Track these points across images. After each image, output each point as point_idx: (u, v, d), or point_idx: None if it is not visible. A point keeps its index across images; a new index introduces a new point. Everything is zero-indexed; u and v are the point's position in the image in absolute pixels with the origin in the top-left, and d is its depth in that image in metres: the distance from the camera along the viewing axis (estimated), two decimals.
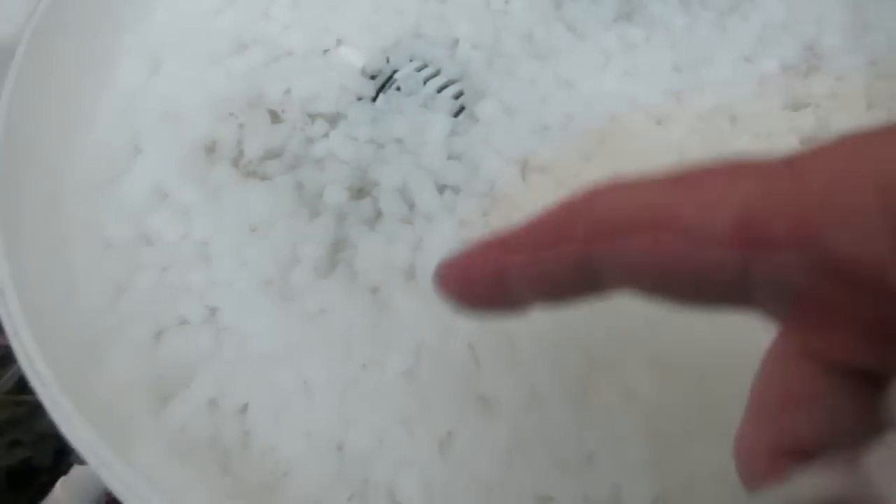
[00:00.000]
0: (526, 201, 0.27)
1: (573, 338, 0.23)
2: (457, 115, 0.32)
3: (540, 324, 0.23)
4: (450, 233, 0.27)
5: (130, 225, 0.27)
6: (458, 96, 0.33)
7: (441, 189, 0.29)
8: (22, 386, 0.35)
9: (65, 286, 0.24)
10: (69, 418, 0.19)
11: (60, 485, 0.27)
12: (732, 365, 0.22)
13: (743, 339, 0.22)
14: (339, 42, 0.34)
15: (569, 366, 0.22)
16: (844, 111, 0.29)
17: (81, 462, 0.24)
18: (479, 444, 0.21)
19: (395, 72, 0.34)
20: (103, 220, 0.26)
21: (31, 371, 0.19)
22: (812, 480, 0.09)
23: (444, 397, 0.22)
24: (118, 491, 0.18)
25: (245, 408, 0.23)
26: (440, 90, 0.33)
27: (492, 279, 0.13)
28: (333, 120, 0.32)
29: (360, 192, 0.31)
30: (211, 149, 0.31)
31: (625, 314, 0.23)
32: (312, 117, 0.32)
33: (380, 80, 0.34)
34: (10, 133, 0.23)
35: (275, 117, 0.32)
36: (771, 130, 0.29)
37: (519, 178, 0.28)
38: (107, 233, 0.26)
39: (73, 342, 0.22)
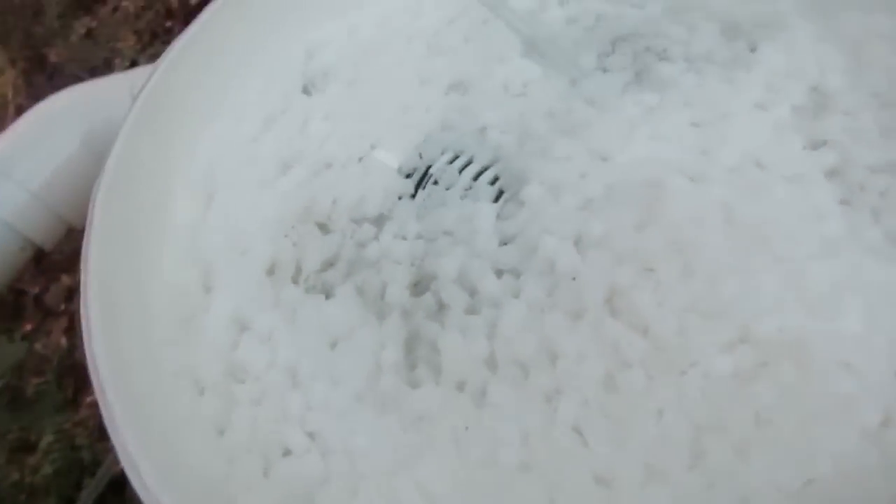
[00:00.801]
0: (590, 276, 0.28)
1: (673, 407, 0.24)
2: (496, 199, 0.33)
3: (638, 395, 0.25)
4: (521, 316, 0.28)
5: (218, 363, 0.27)
6: (493, 181, 0.34)
7: (499, 274, 0.30)
8: None
9: (174, 440, 0.25)
10: None
11: None
12: (826, 413, 0.23)
13: (827, 387, 0.23)
14: (372, 147, 0.35)
15: (675, 432, 0.23)
16: (860, 142, 0.31)
17: None
18: None
19: (429, 167, 0.35)
20: (192, 363, 0.27)
21: None
22: None
23: (562, 483, 0.23)
24: None
25: None
26: (476, 178, 0.34)
27: None
28: (379, 222, 0.34)
29: (417, 286, 0.32)
30: (271, 271, 0.32)
31: (714, 376, 0.24)
32: (359, 222, 0.33)
33: (416, 177, 0.35)
34: (103, 302, 0.24)
35: (324, 229, 0.33)
36: (798, 171, 0.31)
37: (576, 255, 0.29)
38: (197, 375, 0.27)
39: (198, 494, 0.23)
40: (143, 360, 0.26)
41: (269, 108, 0.35)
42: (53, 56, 1.04)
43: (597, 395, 0.25)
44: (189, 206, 0.31)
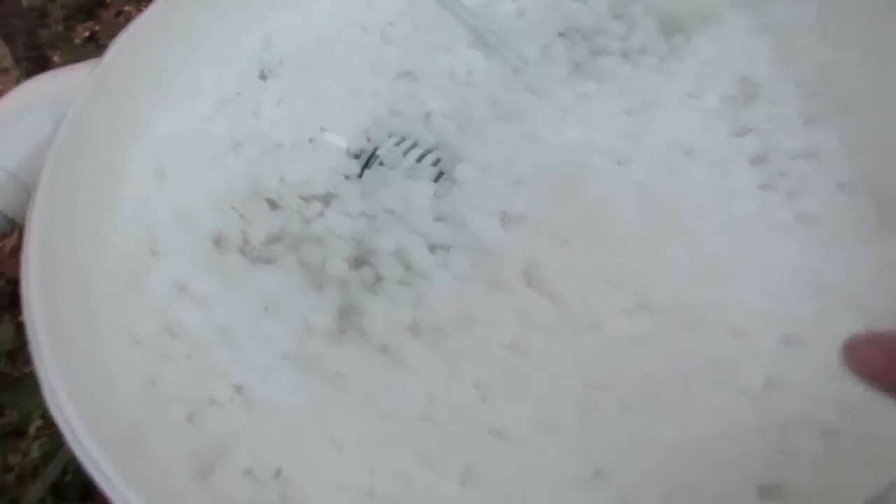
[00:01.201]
0: (511, 249, 0.29)
1: (568, 366, 0.25)
2: (437, 179, 0.35)
3: (538, 355, 0.26)
4: (445, 287, 0.30)
5: (154, 320, 0.29)
6: (436, 163, 0.36)
7: (432, 249, 0.32)
8: None
9: (106, 386, 0.26)
10: (125, 497, 0.21)
11: None
12: (709, 375, 0.24)
13: (714, 353, 0.24)
14: (322, 129, 0.37)
15: (567, 391, 0.24)
16: (784, 132, 0.32)
17: None
18: (497, 472, 0.23)
19: (376, 149, 0.37)
20: (130, 319, 0.29)
21: (90, 464, 0.22)
22: None
23: (458, 434, 0.24)
24: None
25: (279, 471, 0.25)
26: (419, 160, 0.36)
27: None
28: (326, 200, 0.35)
29: (357, 261, 0.33)
30: (218, 241, 0.33)
31: (611, 338, 0.26)
32: (307, 200, 0.35)
33: (363, 158, 0.37)
34: (43, 257, 0.26)
35: (272, 205, 0.35)
36: (722, 157, 0.32)
37: (501, 230, 0.31)
38: (134, 330, 0.29)
39: (122, 433, 0.25)
40: (81, 313, 0.28)
41: (224, 90, 0.37)
42: (57, 58, 1.07)
43: (501, 355, 0.26)
44: (142, 178, 0.33)
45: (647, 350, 0.25)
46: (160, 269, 0.30)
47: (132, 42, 0.32)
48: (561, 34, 0.39)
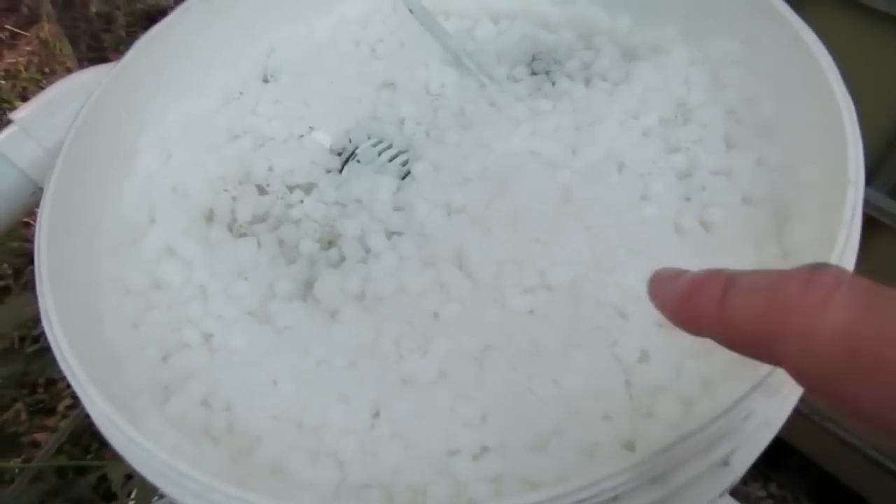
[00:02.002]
0: (448, 235, 0.34)
1: (472, 331, 0.29)
2: (403, 177, 0.40)
3: (450, 322, 0.30)
4: (391, 265, 0.34)
5: (145, 275, 0.35)
6: (405, 163, 0.41)
7: (389, 235, 0.37)
8: None
9: (94, 323, 0.32)
10: (95, 402, 0.26)
11: None
12: (589, 344, 0.28)
13: (597, 328, 0.29)
14: (311, 128, 0.42)
15: (468, 350, 0.29)
16: (709, 151, 0.36)
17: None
18: (400, 411, 0.28)
19: (356, 148, 0.42)
20: (125, 273, 0.34)
21: (70, 374, 0.27)
22: None
23: (375, 379, 0.29)
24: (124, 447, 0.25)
25: (229, 402, 0.30)
26: (391, 159, 0.41)
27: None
28: (308, 189, 0.41)
29: (329, 243, 0.39)
30: (210, 217, 0.39)
31: (512, 310, 0.30)
32: (291, 188, 0.41)
33: (344, 155, 0.42)
34: (56, 212, 0.32)
35: (261, 190, 0.40)
36: (652, 170, 0.36)
37: (445, 219, 0.35)
38: (127, 282, 0.34)
39: (102, 361, 0.30)
40: (84, 262, 0.33)
41: (230, 89, 0.43)
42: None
43: (422, 320, 0.30)
44: (150, 158, 0.39)
45: (538, 320, 0.29)
46: (155, 234, 0.36)
47: (151, 44, 0.39)
48: (533, 58, 0.44)
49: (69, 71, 1.21)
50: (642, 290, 0.30)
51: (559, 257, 0.31)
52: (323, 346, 0.31)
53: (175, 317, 0.33)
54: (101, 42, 1.33)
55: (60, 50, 1.28)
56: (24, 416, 0.93)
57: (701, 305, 0.17)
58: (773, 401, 0.24)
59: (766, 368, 0.25)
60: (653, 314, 0.29)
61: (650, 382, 0.28)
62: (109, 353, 0.31)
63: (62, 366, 0.27)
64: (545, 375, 0.27)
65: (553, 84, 0.42)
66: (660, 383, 0.28)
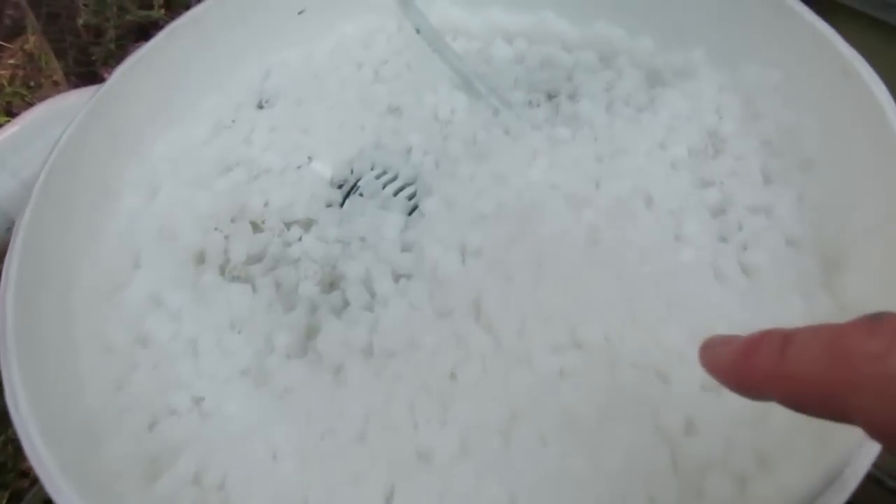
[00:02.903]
0: (464, 282, 0.31)
1: (496, 397, 0.26)
2: (411, 213, 0.37)
3: (471, 384, 0.27)
4: (401, 314, 0.31)
5: (128, 331, 0.31)
6: (412, 196, 0.38)
7: (397, 278, 0.34)
8: None
9: (72, 387, 0.28)
10: (69, 500, 0.23)
11: None
12: (628, 415, 0.25)
13: (636, 394, 0.25)
14: (310, 158, 0.39)
15: (492, 420, 0.26)
16: (745, 187, 0.33)
17: None
18: (417, 494, 0.24)
19: (358, 179, 0.39)
20: (105, 328, 0.31)
21: (36, 461, 0.23)
22: None
23: (387, 455, 0.26)
24: None
25: (224, 480, 0.27)
26: (396, 193, 0.38)
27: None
28: (307, 225, 0.37)
29: (330, 286, 0.35)
30: (200, 259, 0.36)
31: (540, 372, 0.27)
32: (288, 224, 0.37)
33: (346, 188, 0.39)
34: (27, 259, 0.29)
35: (256, 227, 0.37)
36: (683, 206, 0.33)
37: (459, 263, 0.32)
38: (108, 339, 0.31)
39: (77, 436, 0.27)
40: (59, 317, 0.30)
41: (221, 117, 0.39)
42: (106, 74, 1.13)
43: (437, 383, 0.27)
44: (134, 195, 0.36)
45: (570, 386, 0.26)
46: (140, 282, 0.33)
47: (135, 68, 0.35)
48: (549, 81, 0.41)
49: (56, 85, 1.18)
50: (684, 348, 0.27)
51: (590, 311, 0.28)
52: (328, 413, 0.27)
53: (162, 378, 0.30)
54: (89, 55, 1.29)
55: (46, 63, 1.24)
56: (10, 450, 0.89)
57: (760, 364, 0.17)
58: (843, 495, 0.21)
59: (833, 451, 0.22)
60: (697, 376, 0.27)
61: (698, 457, 0.24)
62: (88, 424, 0.28)
63: (27, 452, 0.24)
64: (580, 452, 0.24)
65: (572, 110, 0.39)
66: (709, 458, 0.24)
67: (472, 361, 0.28)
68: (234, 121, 0.40)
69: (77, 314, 0.31)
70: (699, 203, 0.33)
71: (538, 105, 0.40)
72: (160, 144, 0.38)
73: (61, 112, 0.46)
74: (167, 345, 0.31)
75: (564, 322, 0.27)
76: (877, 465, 0.22)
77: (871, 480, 0.24)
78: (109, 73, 0.39)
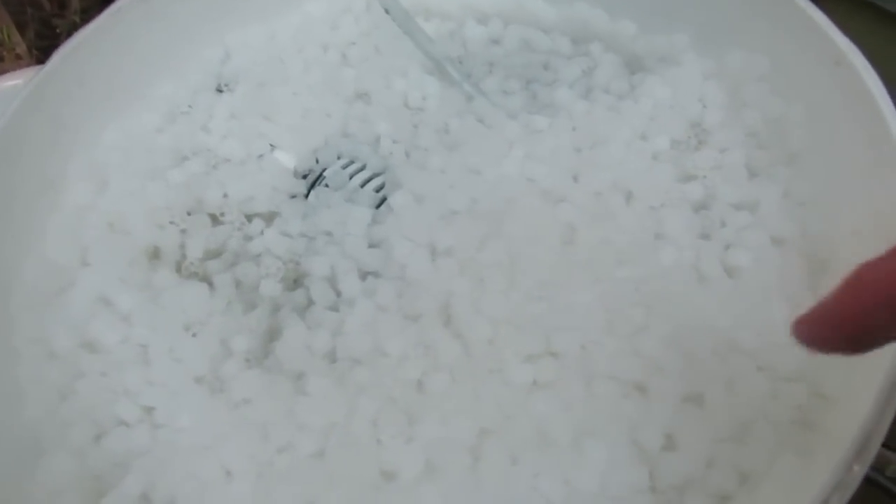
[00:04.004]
0: (433, 283, 0.29)
1: (465, 410, 0.25)
2: (379, 206, 0.35)
3: (438, 396, 0.26)
4: (366, 317, 0.29)
5: (73, 335, 0.29)
6: (380, 188, 0.36)
7: (363, 276, 0.32)
8: None
9: (11, 398, 0.26)
10: None
11: None
12: (604, 430, 0.24)
13: (613, 407, 0.24)
14: (272, 147, 0.37)
15: (461, 436, 0.24)
16: (729, 181, 0.32)
17: None
18: None
19: (324, 170, 0.37)
20: (48, 332, 0.29)
21: None
22: None
23: (348, 474, 0.24)
24: None
25: (173, 500, 0.25)
26: (364, 184, 0.36)
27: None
28: (269, 218, 0.35)
29: (294, 283, 0.33)
30: (154, 255, 0.33)
31: (512, 384, 0.25)
32: (250, 217, 0.35)
33: (310, 179, 0.37)
34: None
35: (215, 220, 0.35)
36: (663, 202, 0.32)
37: (428, 262, 0.30)
38: (51, 344, 0.29)
39: (15, 451, 0.25)
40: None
41: (177, 102, 0.37)
42: None
43: (403, 394, 0.26)
44: (82, 189, 0.33)
45: (544, 399, 0.24)
46: (86, 282, 0.31)
47: (78, 50, 0.33)
48: (525, 65, 0.39)
49: (19, 59, 1.13)
50: (663, 359, 0.26)
51: (565, 318, 0.26)
52: (286, 426, 0.26)
53: (110, 386, 0.28)
54: (52, 28, 1.24)
55: (8, 37, 1.18)
56: None
57: (876, 278, 0.16)
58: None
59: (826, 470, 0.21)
60: (677, 387, 0.25)
61: (678, 475, 0.23)
62: (28, 437, 0.26)
63: None
64: (554, 472, 0.23)
65: (549, 97, 0.37)
66: (688, 476, 0.23)
67: (440, 371, 0.26)
68: (190, 106, 0.37)
69: (17, 317, 0.29)
70: (681, 198, 0.32)
71: (513, 92, 0.38)
72: (108, 133, 0.35)
73: (2, 96, 0.43)
74: (115, 350, 0.29)
75: (538, 329, 0.26)
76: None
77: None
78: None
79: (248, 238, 0.35)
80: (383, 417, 0.25)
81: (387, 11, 0.38)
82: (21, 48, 1.27)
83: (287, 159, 0.37)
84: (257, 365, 0.30)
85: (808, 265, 0.29)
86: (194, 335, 0.30)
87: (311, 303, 0.32)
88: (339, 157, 0.37)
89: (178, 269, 0.33)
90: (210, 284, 0.32)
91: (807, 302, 0.27)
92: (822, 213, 0.29)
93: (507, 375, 0.25)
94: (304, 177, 0.37)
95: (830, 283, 0.27)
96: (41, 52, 1.16)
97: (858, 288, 0.16)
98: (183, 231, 0.34)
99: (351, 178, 0.36)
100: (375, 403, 0.25)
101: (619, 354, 0.25)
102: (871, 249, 0.26)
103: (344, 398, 0.26)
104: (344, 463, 0.24)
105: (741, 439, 0.24)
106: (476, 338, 0.26)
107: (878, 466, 0.25)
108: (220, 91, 0.39)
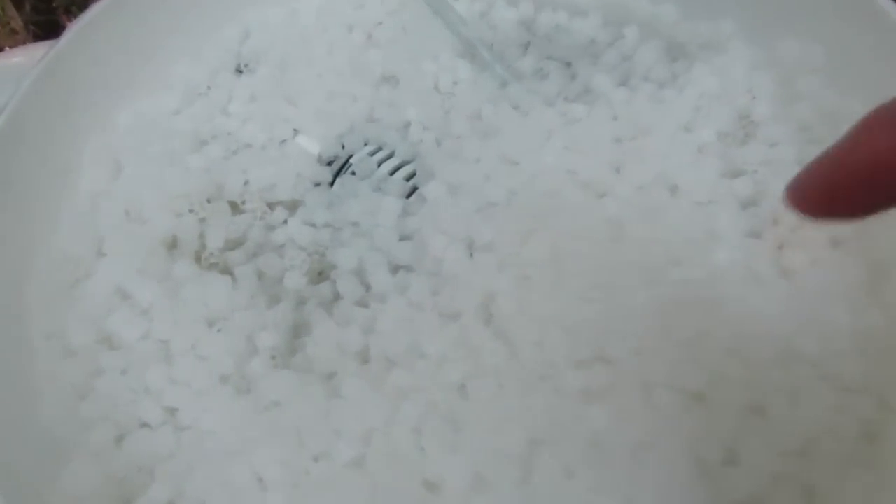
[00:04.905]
0: (472, 280, 0.27)
1: (514, 418, 0.23)
2: (409, 195, 0.33)
3: (484, 402, 0.24)
4: (400, 314, 0.28)
5: (91, 330, 0.27)
6: (410, 177, 0.34)
7: (394, 270, 0.30)
8: None
9: (27, 398, 0.25)
10: None
11: None
12: (663, 443, 0.22)
13: (672, 418, 0.23)
14: (295, 132, 0.35)
15: (511, 447, 0.23)
16: (780, 176, 0.30)
17: None
18: None
19: (350, 156, 0.35)
20: (65, 327, 0.27)
21: None
22: None
23: (390, 485, 0.23)
24: None
25: None
26: (393, 172, 0.34)
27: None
28: (292, 207, 0.33)
29: (319, 275, 0.32)
30: (172, 245, 0.32)
31: (563, 391, 0.24)
32: (272, 206, 0.33)
33: (336, 166, 0.35)
34: None
35: (235, 208, 0.33)
36: (710, 198, 0.30)
37: (466, 257, 0.29)
38: (68, 340, 0.27)
39: (33, 455, 0.23)
40: (10, 315, 0.26)
41: (195, 83, 0.35)
42: (69, 22, 1.06)
43: (446, 399, 0.24)
44: (95, 173, 0.31)
45: (598, 408, 0.23)
46: (104, 273, 0.29)
47: (94, 25, 0.31)
48: (558, 49, 0.37)
49: (14, 33, 1.10)
50: (723, 368, 0.25)
51: (617, 321, 0.25)
52: (321, 432, 0.24)
53: (130, 385, 0.26)
54: (49, 2, 1.21)
55: (3, 10, 1.14)
56: None
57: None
58: None
59: None
60: (739, 397, 0.24)
61: (741, 491, 0.22)
62: (46, 438, 0.24)
63: None
64: (610, 487, 0.22)
65: (585, 83, 0.35)
66: (753, 492, 0.22)
67: (484, 375, 0.24)
68: (209, 87, 0.35)
69: (31, 311, 0.27)
70: (727, 194, 0.30)
71: (548, 78, 0.36)
72: (124, 115, 0.33)
73: (4, 75, 0.41)
74: (136, 346, 0.28)
75: (589, 332, 0.24)
76: None
77: None
78: (71, 21, 0.34)
79: (271, 228, 0.33)
80: (425, 424, 0.24)
81: None
82: (17, 23, 1.24)
83: (311, 145, 0.35)
84: (284, 364, 0.28)
85: (866, 267, 0.27)
86: (218, 331, 0.28)
87: (337, 297, 0.30)
88: (365, 144, 0.35)
89: (198, 260, 0.32)
90: (232, 277, 0.31)
91: (868, 308, 0.26)
92: (881, 213, 0.28)
93: (559, 382, 0.24)
94: (329, 163, 0.35)
95: (893, 287, 0.26)
96: (38, 27, 1.13)
97: (869, 132, 0.15)
98: (202, 220, 0.32)
99: (379, 165, 0.34)
100: (417, 409, 0.24)
101: (677, 362, 0.24)
102: None
103: (382, 402, 0.25)
104: (385, 473, 0.23)
105: (806, 453, 0.22)
106: (522, 340, 0.25)
107: None
108: (239, 72, 0.37)
